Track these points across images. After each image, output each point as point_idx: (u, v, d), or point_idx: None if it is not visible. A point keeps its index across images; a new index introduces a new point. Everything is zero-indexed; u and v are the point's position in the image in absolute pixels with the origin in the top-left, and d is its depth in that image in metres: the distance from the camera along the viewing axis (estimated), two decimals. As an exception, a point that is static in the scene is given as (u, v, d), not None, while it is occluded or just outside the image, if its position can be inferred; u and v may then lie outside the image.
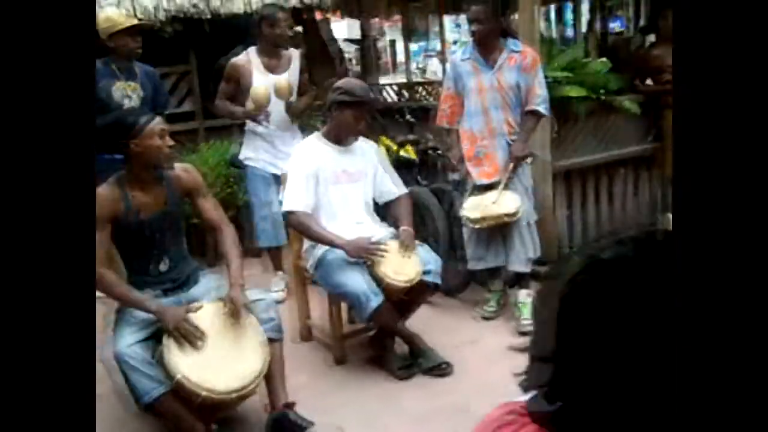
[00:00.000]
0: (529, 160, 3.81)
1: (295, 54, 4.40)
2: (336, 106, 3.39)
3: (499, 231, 3.75)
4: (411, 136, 4.82)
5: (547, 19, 11.19)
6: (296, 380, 3.14)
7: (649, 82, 4.88)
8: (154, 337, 2.62)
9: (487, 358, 3.37)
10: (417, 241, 3.44)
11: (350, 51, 9.37)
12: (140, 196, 2.78)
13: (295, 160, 3.43)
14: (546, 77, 3.84)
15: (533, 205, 3.86)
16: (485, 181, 3.75)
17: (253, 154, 4.33)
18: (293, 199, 3.32)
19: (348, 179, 3.46)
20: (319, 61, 6.75)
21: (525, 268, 3.78)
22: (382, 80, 9.13)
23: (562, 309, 0.87)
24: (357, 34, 8.53)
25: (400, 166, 4.43)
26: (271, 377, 2.77)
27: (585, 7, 7.81)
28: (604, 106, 4.50)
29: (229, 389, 2.54)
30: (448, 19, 9.11)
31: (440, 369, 3.31)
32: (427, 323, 3.68)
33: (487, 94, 3.71)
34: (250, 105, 4.21)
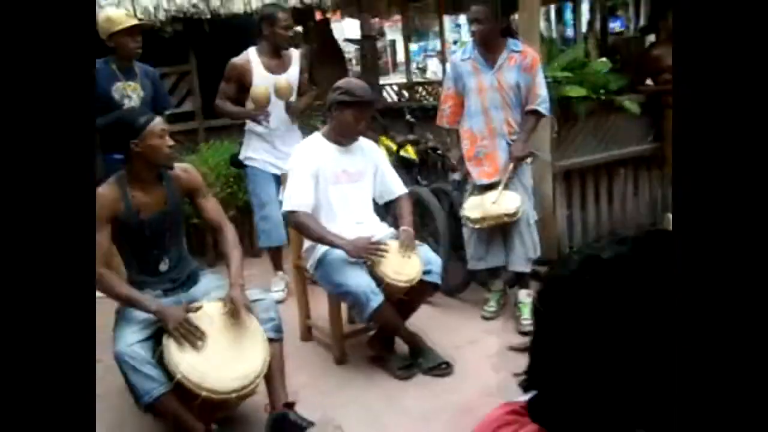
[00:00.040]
0: (529, 159, 3.81)
1: (295, 54, 4.40)
2: (336, 106, 3.38)
3: (500, 231, 3.76)
4: (411, 136, 4.82)
5: (547, 19, 11.20)
6: (297, 380, 3.14)
7: (649, 82, 4.88)
8: (154, 337, 2.62)
9: (488, 358, 3.38)
10: (417, 241, 3.44)
11: (350, 51, 9.38)
12: (140, 196, 2.78)
13: (296, 160, 3.43)
14: (546, 77, 3.84)
15: (533, 205, 3.86)
16: (485, 181, 3.75)
17: (253, 154, 4.34)
18: (294, 198, 3.32)
19: (348, 179, 3.46)
20: (329, 61, 6.75)
21: (525, 268, 3.78)
22: (382, 80, 9.13)
23: (539, 303, 0.89)
24: (356, 34, 8.53)
25: (401, 166, 4.44)
26: (271, 377, 2.77)
27: (585, 7, 7.82)
28: (605, 106, 4.50)
29: (229, 389, 2.54)
30: (447, 19, 9.12)
31: (440, 369, 3.31)
32: (427, 323, 3.68)
33: (487, 94, 3.71)
34: (250, 105, 4.21)
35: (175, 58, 5.63)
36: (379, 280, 3.21)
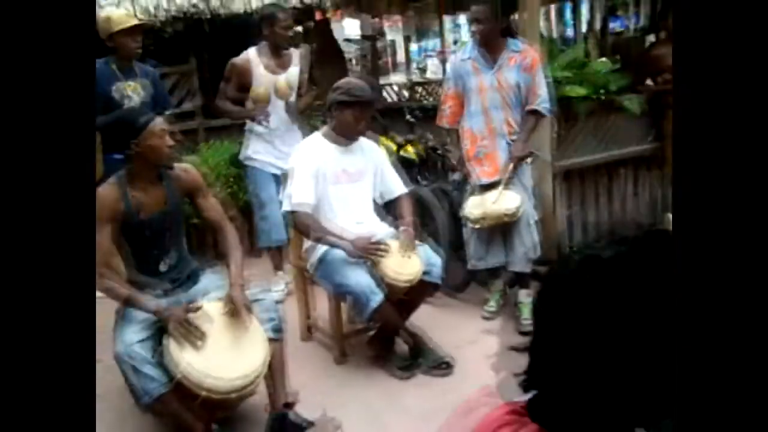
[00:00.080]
0: (529, 159, 3.81)
1: (296, 53, 4.40)
2: (337, 106, 3.39)
3: (500, 231, 3.76)
4: (411, 136, 4.82)
5: (548, 19, 11.19)
6: (297, 379, 3.14)
7: (648, 82, 4.88)
8: (155, 337, 2.62)
9: (488, 358, 3.38)
10: (418, 241, 3.44)
11: (350, 51, 9.37)
12: (141, 195, 2.78)
13: (297, 160, 3.43)
14: (546, 77, 3.84)
15: (534, 205, 3.86)
16: (485, 180, 3.75)
17: (253, 153, 4.34)
18: (294, 198, 3.33)
19: (349, 179, 3.46)
20: (328, 61, 6.75)
21: (525, 268, 3.78)
22: (383, 80, 9.13)
23: (539, 303, 0.89)
24: (356, 34, 8.54)
25: (401, 165, 4.43)
26: (271, 376, 2.77)
27: (585, 7, 7.82)
28: (605, 106, 4.50)
29: (229, 388, 2.53)
30: (447, 19, 9.12)
31: (441, 368, 3.31)
32: (427, 323, 3.68)
33: (487, 93, 3.71)
34: (250, 105, 4.22)
35: (176, 57, 5.64)
36: (379, 280, 3.21)
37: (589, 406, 0.85)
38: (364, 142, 3.55)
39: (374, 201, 3.60)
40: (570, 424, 0.86)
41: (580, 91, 4.25)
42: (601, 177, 4.74)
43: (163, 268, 2.88)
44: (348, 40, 8.45)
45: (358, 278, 3.18)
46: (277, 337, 2.82)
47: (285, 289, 4.36)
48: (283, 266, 4.46)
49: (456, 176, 4.09)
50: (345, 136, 3.43)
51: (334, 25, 8.04)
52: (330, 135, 3.46)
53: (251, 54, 4.25)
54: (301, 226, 3.36)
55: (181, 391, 2.53)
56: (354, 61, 10.82)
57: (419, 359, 3.35)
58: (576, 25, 7.34)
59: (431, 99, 6.71)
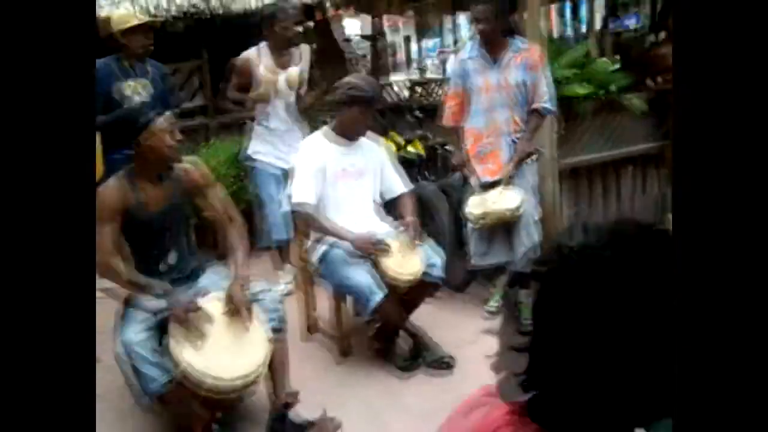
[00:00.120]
0: (533, 157, 3.81)
1: (304, 49, 4.41)
2: (343, 103, 3.42)
3: (501, 229, 3.76)
4: (418, 132, 4.83)
5: (562, 15, 11.10)
6: (301, 373, 3.17)
7: (649, 81, 4.84)
8: (155, 336, 2.65)
9: (488, 357, 3.38)
10: (418, 240, 3.44)
11: (350, 50, 9.34)
12: (148, 190, 2.81)
13: (302, 155, 3.46)
14: (552, 75, 3.84)
15: (538, 203, 3.86)
16: (489, 178, 3.76)
17: (260, 149, 4.37)
18: (300, 193, 3.36)
19: (354, 175, 3.49)
20: (329, 61, 6.74)
21: (527, 267, 3.77)
22: (384, 80, 9.11)
23: (538, 302, 0.90)
24: (356, 34, 8.53)
25: (407, 162, 4.45)
26: (274, 369, 2.80)
27: (600, 3, 7.74)
28: (610, 105, 4.50)
29: (229, 387, 2.55)
30: (448, 19, 9.09)
31: (443, 363, 3.34)
32: (430, 320, 3.70)
33: (492, 92, 3.72)
34: (250, 105, 4.26)
35: (187, 53, 5.68)
36: (382, 275, 3.24)
37: (589, 405, 0.85)
38: (365, 141, 3.56)
39: (375, 200, 3.62)
40: (570, 424, 0.87)
41: (584, 89, 4.24)
42: (607, 175, 4.73)
43: (171, 261, 2.91)
44: (347, 40, 8.43)
45: (359, 277, 3.20)
46: (278, 336, 2.83)
47: (285, 288, 4.38)
48: (284, 265, 4.49)
49: (457, 175, 4.10)
50: (347, 134, 3.46)
51: (334, 26, 8.03)
52: (332, 134, 3.48)
53: (252, 53, 4.27)
54: (303, 224, 3.40)
55: (181, 390, 2.56)
56: (354, 61, 10.79)
57: (422, 354, 3.39)
58: (589, 22, 7.28)
59: (432, 98, 6.72)
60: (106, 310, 2.71)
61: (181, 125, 3.07)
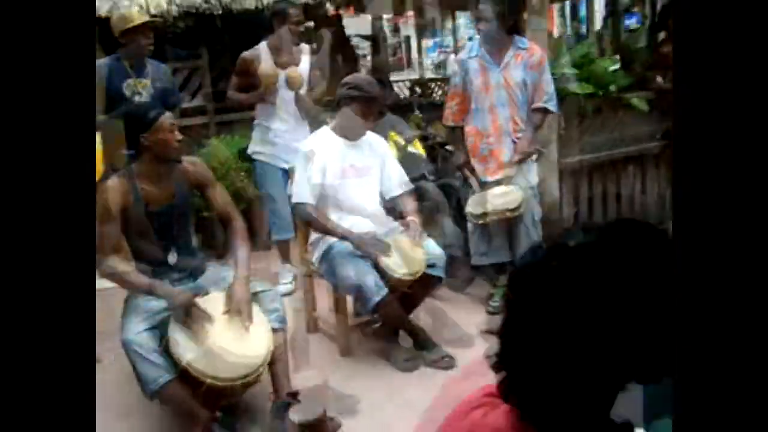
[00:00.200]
0: (534, 156, 3.83)
1: (305, 49, 4.44)
2: (344, 101, 3.43)
3: (504, 227, 3.77)
4: (419, 132, 4.85)
5: (562, 15, 11.15)
6: (302, 371, 3.19)
7: (659, 79, 4.87)
8: (161, 327, 2.67)
9: (490, 354, 3.39)
10: (423, 234, 3.47)
11: (364, 47, 9.39)
12: (149, 189, 2.83)
13: (303, 155, 3.47)
14: (553, 74, 3.86)
15: (538, 202, 3.87)
16: (490, 178, 3.78)
17: (261, 148, 4.39)
18: (301, 191, 3.37)
19: (355, 173, 3.50)
20: (339, 57, 6.76)
21: None
22: (395, 77, 9.14)
23: (509, 289, 0.92)
24: (364, 31, 8.56)
25: (408, 161, 4.46)
26: (275, 366, 2.81)
27: (600, 3, 7.77)
28: (612, 103, 4.51)
29: (234, 376, 2.58)
30: (449, 17, 9.13)
31: (444, 361, 3.34)
32: (432, 317, 3.71)
33: (493, 91, 3.73)
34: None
35: (210, 37, 5.70)
36: (383, 273, 3.25)
37: (556, 387, 0.87)
38: (371, 137, 3.58)
39: (378, 198, 3.63)
40: (537, 405, 0.89)
41: (586, 88, 4.26)
42: (608, 174, 4.75)
43: (171, 260, 2.92)
44: (360, 36, 8.49)
45: (360, 275, 3.21)
46: (280, 327, 2.86)
47: (293, 282, 4.41)
48: (285, 264, 4.51)
49: (458, 174, 4.11)
50: (352, 131, 3.47)
51: (345, 22, 8.07)
52: (337, 129, 3.50)
53: (262, 49, 4.29)
54: (308, 218, 3.41)
55: (186, 379, 2.58)
56: (368, 57, 10.83)
57: (423, 352, 3.39)
58: (589, 21, 7.31)
59: (432, 98, 6.75)
60: (117, 300, 2.76)
61: (182, 124, 3.08)
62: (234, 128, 5.53)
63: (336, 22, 7.44)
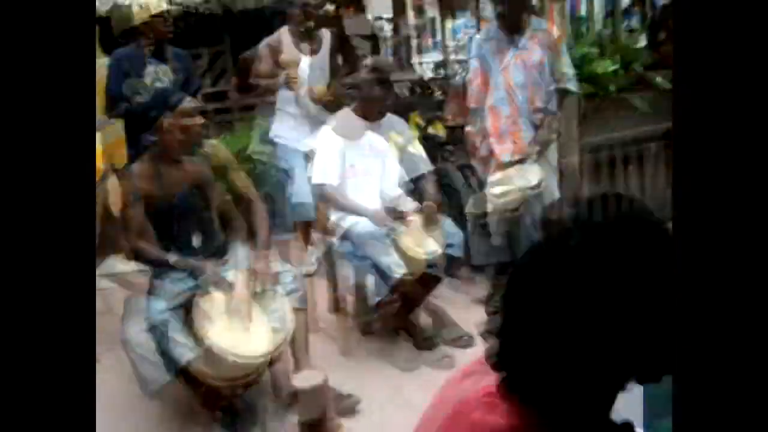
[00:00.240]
0: (554, 135, 3.81)
1: (326, 35, 4.44)
2: (365, 83, 3.46)
3: (504, 227, 3.72)
4: (439, 113, 4.85)
5: (562, 16, 10.89)
6: (323, 350, 3.25)
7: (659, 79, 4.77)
8: (185, 306, 2.74)
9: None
10: (441, 216, 3.50)
11: (386, 29, 9.34)
12: (172, 173, 2.90)
13: (324, 135, 3.52)
14: (575, 53, 3.82)
15: (558, 182, 3.86)
16: (508, 157, 3.77)
17: (282, 131, 4.42)
18: (321, 172, 3.43)
19: (375, 155, 3.54)
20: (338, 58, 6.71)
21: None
22: (419, 58, 9.08)
23: (508, 287, 0.94)
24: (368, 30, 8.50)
25: (428, 142, 4.47)
26: (295, 344, 2.87)
27: (600, 3, 7.59)
28: (635, 82, 4.46)
29: (255, 354, 2.64)
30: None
31: (462, 340, 3.38)
32: (450, 297, 3.74)
33: (511, 72, 3.72)
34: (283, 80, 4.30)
35: (210, 38, 5.75)
36: (402, 253, 3.29)
37: (555, 386, 0.89)
38: (390, 119, 3.62)
39: (398, 179, 3.66)
40: (537, 405, 0.91)
41: (608, 66, 4.21)
42: (630, 154, 4.70)
43: (195, 242, 2.97)
44: (379, 19, 8.44)
45: (381, 252, 3.26)
46: (301, 307, 2.92)
47: (316, 263, 4.45)
48: (307, 246, 4.55)
49: (483, 152, 4.09)
50: (372, 112, 3.51)
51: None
52: (358, 111, 3.54)
53: (283, 34, 4.32)
54: (328, 197, 3.46)
55: (186, 379, 2.64)
56: (384, 41, 10.74)
57: (441, 332, 3.44)
58: (588, 22, 7.16)
59: (455, 79, 6.69)
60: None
61: (204, 109, 3.13)
62: (234, 128, 5.56)
63: (336, 22, 7.39)
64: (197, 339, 2.64)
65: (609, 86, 4.35)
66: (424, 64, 8.41)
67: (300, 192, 4.33)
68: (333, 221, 3.55)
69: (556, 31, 3.73)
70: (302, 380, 2.40)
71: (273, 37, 4.31)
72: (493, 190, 3.71)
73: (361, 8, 7.41)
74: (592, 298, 0.85)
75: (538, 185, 3.61)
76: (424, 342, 3.42)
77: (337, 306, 3.88)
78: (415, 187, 3.84)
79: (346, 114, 3.57)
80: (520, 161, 3.72)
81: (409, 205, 3.54)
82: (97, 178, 3.15)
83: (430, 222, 3.39)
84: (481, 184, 3.84)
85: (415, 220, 3.38)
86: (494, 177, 3.77)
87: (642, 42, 5.38)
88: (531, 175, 3.64)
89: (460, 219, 3.99)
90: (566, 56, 3.73)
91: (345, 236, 3.44)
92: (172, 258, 2.80)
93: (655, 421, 1.37)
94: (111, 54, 3.99)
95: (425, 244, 3.33)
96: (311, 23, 4.17)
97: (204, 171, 2.98)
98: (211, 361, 2.61)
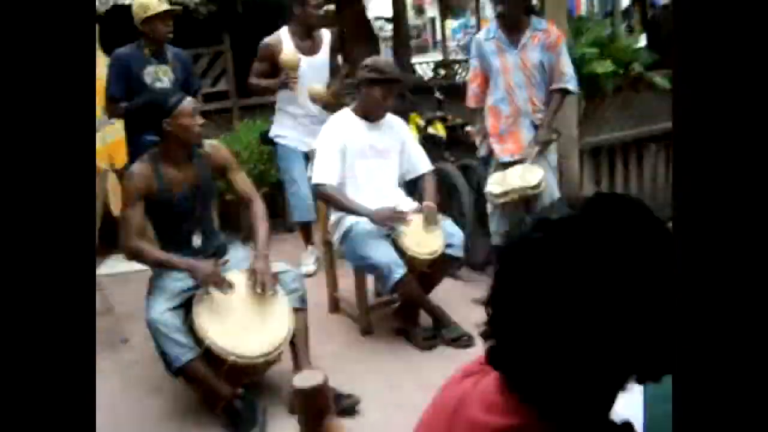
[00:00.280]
0: (554, 135, 3.82)
1: (327, 35, 4.46)
2: (364, 83, 3.47)
3: (523, 207, 3.78)
4: (439, 113, 4.86)
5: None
6: (324, 350, 3.26)
7: None
8: (185, 306, 2.76)
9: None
10: (441, 215, 3.51)
11: (387, 29, 9.37)
12: (172, 173, 2.90)
13: (324, 135, 3.52)
14: (574, 53, 3.83)
15: (558, 182, 3.86)
16: (508, 158, 3.78)
17: (283, 131, 4.44)
18: (321, 172, 3.43)
19: (375, 155, 3.54)
20: (361, 40, 6.73)
21: None
22: (420, 58, 9.12)
23: (497, 263, 0.95)
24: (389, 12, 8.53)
25: (428, 142, 4.48)
26: (295, 345, 2.89)
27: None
28: (634, 82, 4.46)
29: (255, 354, 2.67)
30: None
31: (462, 340, 3.38)
32: (451, 297, 3.75)
33: (511, 73, 3.73)
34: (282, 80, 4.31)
35: (210, 38, 5.76)
36: (402, 253, 3.30)
37: (555, 383, 0.88)
38: (391, 119, 3.62)
39: (398, 179, 3.66)
40: (522, 373, 0.92)
41: (607, 66, 4.22)
42: (630, 154, 4.71)
43: (195, 242, 3.00)
44: (380, 18, 8.46)
45: (380, 255, 3.26)
46: (301, 307, 2.94)
47: (315, 263, 4.47)
48: (308, 246, 4.57)
49: (482, 152, 4.11)
50: (372, 112, 3.51)
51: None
52: (358, 111, 3.54)
53: (283, 34, 4.33)
54: (327, 198, 3.46)
55: (209, 357, 2.67)
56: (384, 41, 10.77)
57: (442, 331, 3.44)
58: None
59: (454, 79, 6.72)
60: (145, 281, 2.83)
61: (205, 109, 3.14)
62: (257, 113, 5.60)
63: (357, 4, 7.43)
64: (197, 339, 2.66)
65: (609, 86, 4.34)
66: (425, 64, 8.44)
67: (300, 192, 4.35)
68: (333, 221, 3.56)
69: (555, 31, 3.73)
70: (302, 380, 2.38)
71: (273, 37, 4.32)
72: (493, 190, 3.72)
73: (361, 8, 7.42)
74: (591, 298, 0.84)
75: (538, 185, 3.62)
76: (424, 342, 3.42)
77: (337, 306, 3.91)
78: (415, 187, 3.85)
79: (346, 114, 3.57)
80: (520, 161, 3.73)
81: (409, 205, 3.55)
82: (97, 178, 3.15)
83: (430, 222, 3.39)
84: (502, 164, 3.84)
85: (415, 220, 3.39)
86: (494, 177, 3.79)
87: (642, 42, 5.40)
88: (531, 175, 3.65)
89: (460, 219, 4.01)
90: (566, 56, 3.73)
91: (345, 236, 3.44)
92: (172, 258, 2.81)
93: (655, 421, 1.36)
94: (111, 54, 4.01)
95: (425, 244, 3.33)
96: (332, 6, 4.16)
97: (204, 171, 2.99)
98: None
